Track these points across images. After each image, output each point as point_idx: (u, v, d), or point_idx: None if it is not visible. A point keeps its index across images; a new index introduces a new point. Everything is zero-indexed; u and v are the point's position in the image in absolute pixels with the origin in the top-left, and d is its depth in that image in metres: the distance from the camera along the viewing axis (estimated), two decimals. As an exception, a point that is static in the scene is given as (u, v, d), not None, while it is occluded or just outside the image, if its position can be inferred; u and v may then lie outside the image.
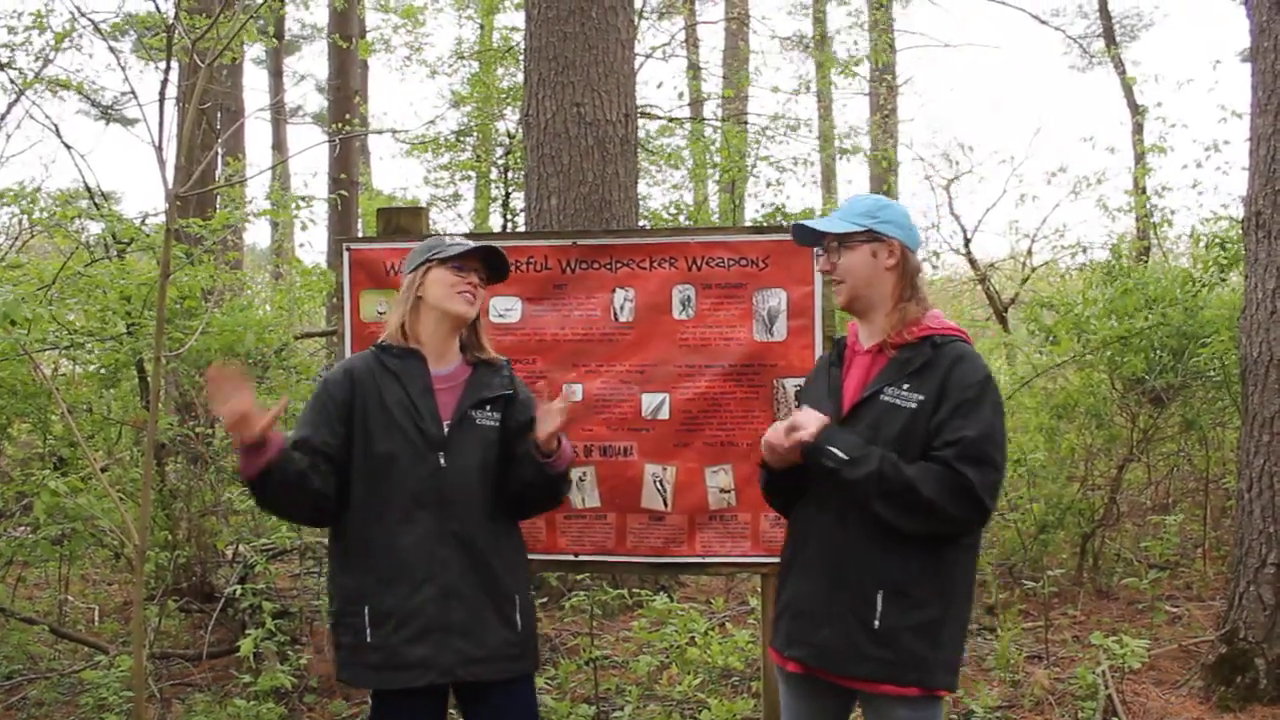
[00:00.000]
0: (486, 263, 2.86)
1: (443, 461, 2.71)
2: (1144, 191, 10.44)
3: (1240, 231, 5.84)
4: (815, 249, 2.79)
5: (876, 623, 2.48)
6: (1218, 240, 7.47)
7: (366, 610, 2.68)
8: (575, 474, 3.60)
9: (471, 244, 2.84)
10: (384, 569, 2.69)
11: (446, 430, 2.75)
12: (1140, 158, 11.32)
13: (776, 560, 3.50)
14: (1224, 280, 7.38)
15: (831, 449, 2.44)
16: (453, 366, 2.85)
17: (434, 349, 2.82)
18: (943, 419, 2.46)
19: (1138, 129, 12.19)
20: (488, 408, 2.83)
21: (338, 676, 2.81)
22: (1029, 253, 11.40)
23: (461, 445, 2.75)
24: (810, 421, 2.49)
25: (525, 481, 2.79)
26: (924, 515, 2.44)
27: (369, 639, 2.67)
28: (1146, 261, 9.98)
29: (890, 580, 2.49)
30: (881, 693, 2.53)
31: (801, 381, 2.95)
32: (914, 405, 2.49)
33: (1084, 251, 10.06)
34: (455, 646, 2.68)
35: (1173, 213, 10.24)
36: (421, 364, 2.79)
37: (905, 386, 2.51)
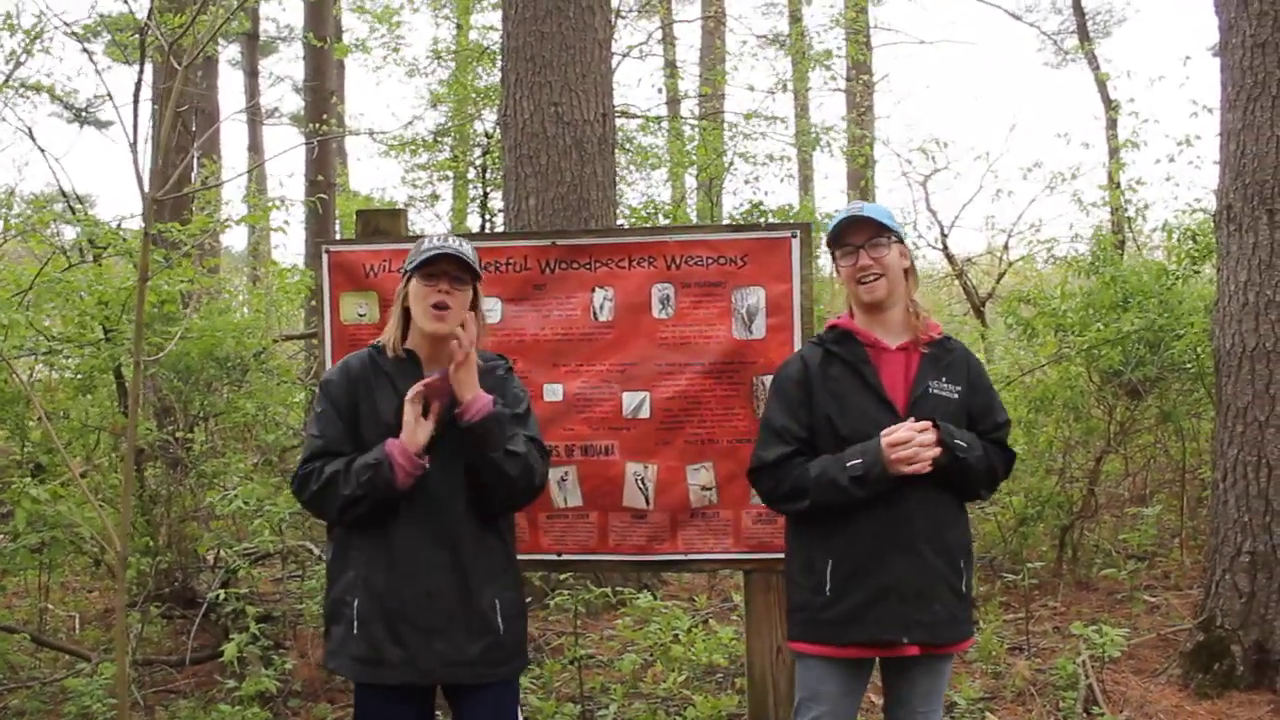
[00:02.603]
0: (461, 261, 2.77)
1: (427, 464, 2.70)
2: (1118, 186, 10.52)
3: (1212, 224, 5.90)
4: (839, 247, 2.88)
5: (964, 588, 2.83)
6: (1190, 233, 7.55)
7: (356, 604, 2.71)
8: (556, 474, 3.61)
9: (435, 248, 2.75)
10: (373, 567, 2.72)
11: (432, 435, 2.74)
12: (1114, 153, 11.41)
13: (758, 556, 3.56)
14: (1197, 273, 7.46)
15: (958, 441, 2.76)
16: (446, 369, 2.84)
17: (426, 354, 2.82)
18: (985, 404, 2.93)
19: (1111, 124, 12.28)
20: None
21: (324, 664, 2.86)
22: (1005, 247, 11.47)
23: (446, 449, 2.72)
24: (919, 426, 2.73)
25: (470, 464, 2.72)
26: (993, 488, 2.98)
27: (355, 631, 2.71)
28: (1122, 255, 10.06)
29: (965, 545, 2.88)
30: (950, 652, 2.88)
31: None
32: (956, 396, 2.86)
33: (1074, 239, 10.12)
34: (435, 648, 2.70)
35: (1146, 206, 10.32)
36: (415, 366, 2.80)
37: (944, 379, 2.86)
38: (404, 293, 2.80)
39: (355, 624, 2.71)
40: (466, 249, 2.79)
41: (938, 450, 2.71)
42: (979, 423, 2.89)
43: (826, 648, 2.83)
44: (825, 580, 2.80)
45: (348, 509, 2.68)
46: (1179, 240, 7.70)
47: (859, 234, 2.84)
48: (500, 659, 2.79)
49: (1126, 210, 10.18)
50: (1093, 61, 14.25)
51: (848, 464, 2.72)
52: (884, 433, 2.72)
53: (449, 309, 2.73)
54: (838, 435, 2.81)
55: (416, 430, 2.67)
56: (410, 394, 2.68)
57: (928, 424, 2.74)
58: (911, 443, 2.70)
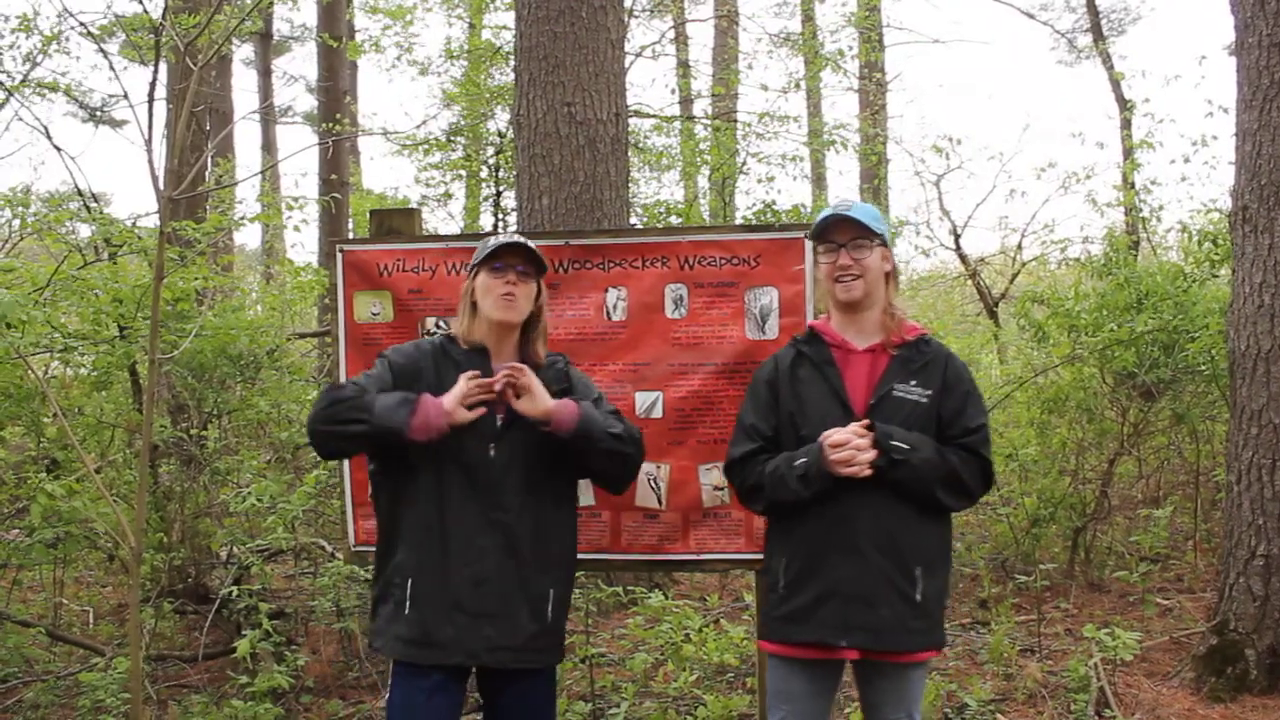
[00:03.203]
0: (527, 254, 2.87)
1: (492, 453, 2.77)
2: (1133, 186, 10.48)
3: (1228, 225, 5.87)
4: (822, 244, 2.88)
5: (918, 596, 2.74)
6: (1209, 236, 7.51)
7: (409, 585, 2.76)
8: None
9: (501, 241, 2.86)
10: (428, 549, 2.77)
11: (499, 424, 2.80)
12: (1129, 153, 11.35)
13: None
14: (1215, 276, 7.42)
15: (895, 443, 2.70)
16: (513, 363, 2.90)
17: (493, 348, 2.88)
18: (957, 408, 2.82)
19: (1126, 124, 12.22)
20: None
21: (371, 646, 2.91)
22: (1019, 247, 11.44)
23: (512, 439, 2.80)
24: (854, 433, 2.70)
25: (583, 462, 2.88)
26: (963, 496, 2.82)
27: (406, 612, 2.76)
28: (1136, 256, 10.01)
29: (926, 554, 2.77)
30: (907, 661, 2.78)
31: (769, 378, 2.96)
32: (925, 400, 2.80)
33: (1086, 240, 10.11)
34: (484, 633, 2.75)
35: (1162, 207, 10.28)
36: (484, 359, 2.86)
37: (913, 383, 2.81)
38: (471, 287, 2.89)
39: (407, 604, 2.75)
40: (530, 243, 2.88)
41: (875, 453, 2.69)
42: (948, 427, 2.81)
43: (779, 646, 2.85)
44: (780, 578, 2.84)
45: (338, 424, 2.70)
46: (1197, 242, 7.66)
47: (842, 233, 2.84)
48: (545, 646, 2.86)
49: (1141, 211, 10.14)
50: (1107, 60, 14.18)
51: (795, 463, 2.75)
52: (825, 434, 2.72)
53: (516, 299, 2.83)
54: (798, 435, 2.83)
55: (458, 408, 2.72)
56: (477, 379, 2.74)
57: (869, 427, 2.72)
58: (849, 444, 2.69)
